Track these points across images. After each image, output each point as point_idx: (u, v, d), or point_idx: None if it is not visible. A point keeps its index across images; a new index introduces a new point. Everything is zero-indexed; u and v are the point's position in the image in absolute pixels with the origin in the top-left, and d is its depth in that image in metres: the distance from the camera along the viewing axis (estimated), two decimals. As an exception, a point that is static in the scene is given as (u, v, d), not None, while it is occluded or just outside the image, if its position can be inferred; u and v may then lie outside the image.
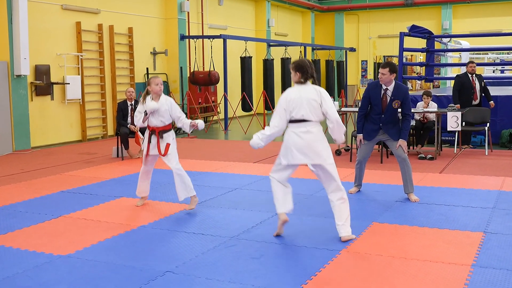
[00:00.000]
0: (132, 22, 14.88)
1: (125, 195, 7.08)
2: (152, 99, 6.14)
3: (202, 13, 18.08)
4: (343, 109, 10.92)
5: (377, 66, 25.15)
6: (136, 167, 9.17)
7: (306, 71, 4.96)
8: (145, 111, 6.11)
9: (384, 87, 6.50)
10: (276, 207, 5.12)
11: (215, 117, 17.10)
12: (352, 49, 25.97)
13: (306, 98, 4.92)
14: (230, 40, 16.88)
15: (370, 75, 25.97)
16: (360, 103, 6.80)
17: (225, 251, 4.80)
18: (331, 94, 23.08)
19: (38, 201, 6.83)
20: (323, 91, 5.00)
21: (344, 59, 25.25)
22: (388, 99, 6.48)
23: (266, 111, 16.21)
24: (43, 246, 4.98)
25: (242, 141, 12.92)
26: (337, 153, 10.21)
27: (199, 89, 16.94)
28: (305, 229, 5.43)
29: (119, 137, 10.13)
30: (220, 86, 17.31)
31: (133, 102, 10.20)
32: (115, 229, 5.49)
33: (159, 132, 6.14)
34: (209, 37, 16.44)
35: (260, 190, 7.22)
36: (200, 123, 6.18)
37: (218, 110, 17.24)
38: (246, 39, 17.57)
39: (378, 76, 6.51)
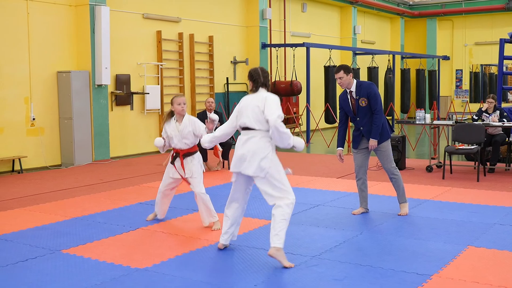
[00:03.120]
0: (212, 31, 15.22)
1: (203, 208, 7.20)
2: (176, 120, 6.14)
3: (284, 21, 18.22)
4: (435, 122, 10.63)
5: (474, 75, 24.36)
6: (215, 180, 9.33)
7: (256, 80, 5.11)
8: (163, 137, 6.26)
9: (348, 90, 6.67)
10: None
11: (296, 129, 17.12)
12: (446, 57, 25.25)
13: (251, 105, 5.01)
14: (314, 48, 16.90)
15: (466, 86, 25.14)
16: (338, 117, 6.98)
17: (306, 271, 4.77)
18: (422, 105, 22.52)
19: (117, 212, 7.09)
20: (270, 98, 4.99)
21: (437, 68, 24.59)
22: (355, 100, 6.63)
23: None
24: (121, 258, 5.15)
25: (325, 155, 12.85)
26: (428, 169, 9.94)
27: (280, 100, 17.00)
28: (393, 250, 5.31)
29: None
30: (302, 96, 17.34)
31: (212, 113, 10.38)
32: (192, 243, 5.60)
33: (182, 155, 6.15)
34: (291, 45, 16.53)
35: (344, 208, 7.14)
36: (213, 115, 6.22)
37: (300, 121, 17.26)
38: (330, 47, 17.53)
39: (338, 83, 6.69)
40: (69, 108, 11.41)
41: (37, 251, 5.40)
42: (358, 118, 6.66)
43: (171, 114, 6.22)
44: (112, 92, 12.48)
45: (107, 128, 12.21)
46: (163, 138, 6.26)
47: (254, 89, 5.12)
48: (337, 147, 6.87)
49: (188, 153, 6.17)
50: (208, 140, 5.42)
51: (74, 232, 6.09)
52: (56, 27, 11.48)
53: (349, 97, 6.67)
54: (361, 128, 6.68)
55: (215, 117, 6.21)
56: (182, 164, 6.15)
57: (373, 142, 6.60)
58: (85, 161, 11.61)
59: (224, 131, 5.29)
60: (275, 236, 4.84)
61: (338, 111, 7.03)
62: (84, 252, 5.34)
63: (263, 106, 4.95)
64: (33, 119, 11.00)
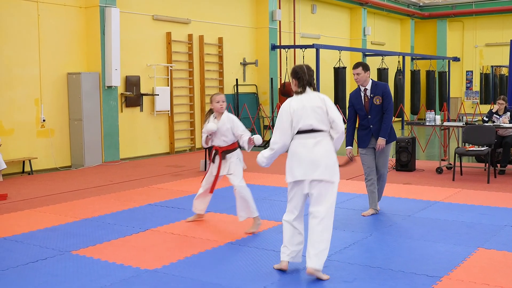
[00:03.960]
0: (222, 32, 15.24)
1: (213, 210, 7.21)
2: (215, 117, 6.16)
3: (294, 22, 18.22)
4: (446, 123, 10.58)
5: (484, 77, 24.23)
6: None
7: (301, 78, 4.79)
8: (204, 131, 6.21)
9: (362, 88, 6.73)
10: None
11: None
12: (456, 59, 25.14)
13: (310, 106, 4.71)
14: (323, 49, 16.89)
15: (476, 87, 25.02)
16: (347, 114, 6.95)
17: (315, 273, 4.76)
18: (432, 107, 22.43)
19: (126, 213, 7.11)
20: (327, 98, 4.82)
21: (447, 70, 24.48)
22: (369, 98, 6.70)
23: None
24: (130, 259, 5.17)
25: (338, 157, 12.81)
26: (438, 171, 9.90)
27: (289, 101, 16.99)
28: (403, 252, 5.29)
29: (207, 150, 10.36)
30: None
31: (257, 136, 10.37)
32: (202, 245, 5.61)
33: (222, 152, 6.14)
34: (301, 46, 16.52)
35: (354, 209, 7.12)
36: (257, 138, 5.98)
37: (309, 123, 17.22)
38: (340, 48, 17.51)
39: (354, 78, 6.74)
40: (79, 110, 11.46)
41: (47, 252, 5.43)
42: (369, 116, 6.72)
43: (211, 112, 6.25)
44: (122, 94, 12.52)
45: (117, 130, 12.25)
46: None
47: (302, 89, 4.79)
48: (346, 146, 6.85)
49: (227, 150, 6.15)
50: (267, 156, 4.93)
51: (83, 233, 6.12)
52: (67, 29, 11.54)
53: (362, 95, 6.76)
54: (371, 126, 6.72)
55: (258, 142, 5.99)
56: (220, 161, 6.14)
57: (381, 141, 6.65)
58: (95, 163, 11.65)
59: (281, 142, 4.80)
60: (315, 257, 4.57)
61: (347, 110, 7.00)
62: (93, 253, 5.36)
63: (325, 107, 4.74)
64: (43, 120, 11.06)
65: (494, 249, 5.35)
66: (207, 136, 6.20)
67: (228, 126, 6.08)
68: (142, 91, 12.97)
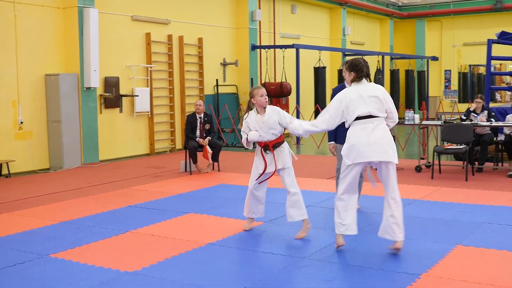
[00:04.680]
0: (202, 32, 15.21)
1: (193, 211, 7.20)
2: (258, 112, 5.84)
3: (274, 22, 18.24)
4: (424, 122, 10.68)
5: (462, 76, 24.48)
6: (205, 182, 9.33)
7: (361, 69, 5.12)
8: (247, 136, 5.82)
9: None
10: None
11: (286, 131, 17.12)
12: (435, 58, 25.38)
13: (367, 95, 5.05)
14: (303, 49, 16.93)
15: (454, 86, 25.27)
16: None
17: (296, 272, 4.78)
18: (411, 106, 22.61)
19: (106, 215, 7.07)
20: (385, 90, 5.18)
21: (426, 69, 24.70)
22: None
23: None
24: (110, 262, 5.14)
25: (315, 156, 12.87)
26: (417, 169, 9.99)
27: (270, 101, 17.03)
28: (383, 250, 5.32)
29: (187, 151, 10.34)
30: (292, 98, 17.37)
31: (202, 115, 10.39)
32: (183, 246, 5.59)
33: (273, 146, 5.83)
34: (281, 46, 16.55)
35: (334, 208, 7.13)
36: (251, 135, 5.83)
37: (290, 123, 17.25)
38: (320, 48, 17.57)
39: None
40: (58, 111, 11.36)
41: (25, 256, 5.37)
42: None
43: (249, 108, 5.92)
44: (101, 95, 12.43)
45: (96, 131, 12.16)
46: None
47: (358, 80, 5.14)
48: (329, 141, 6.93)
49: (277, 143, 5.87)
50: (307, 130, 5.40)
51: (62, 236, 6.06)
52: (44, 30, 11.43)
53: None
54: None
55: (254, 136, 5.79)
56: (274, 156, 5.82)
57: None
58: (74, 165, 11.55)
59: (327, 126, 5.24)
60: (401, 230, 5.10)
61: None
62: (72, 256, 5.31)
63: (383, 97, 5.09)
64: (21, 122, 10.94)
65: (472, 246, 5.41)
66: (247, 141, 5.86)
67: (275, 118, 5.78)
68: (122, 92, 12.89)
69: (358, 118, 5.04)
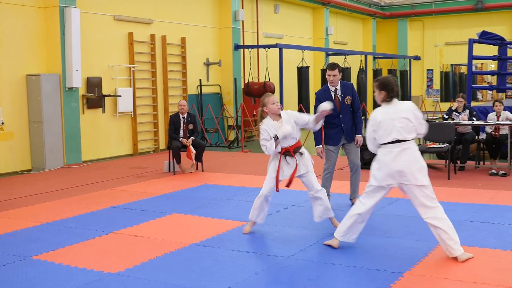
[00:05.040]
0: (185, 32, 15.17)
1: (177, 211, 7.18)
2: (273, 119, 5.78)
3: (257, 22, 18.25)
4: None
5: (444, 75, 24.69)
6: (188, 182, 9.31)
7: (392, 89, 5.05)
8: (275, 136, 5.67)
9: (332, 88, 6.94)
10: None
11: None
12: (417, 58, 25.57)
13: (397, 118, 4.99)
14: (287, 49, 16.95)
15: (436, 85, 25.48)
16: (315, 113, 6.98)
17: (280, 272, 4.79)
18: (394, 105, 22.72)
19: (89, 216, 7.02)
20: (417, 108, 5.11)
21: (408, 68, 24.88)
22: (340, 98, 6.91)
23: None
24: (93, 263, 5.11)
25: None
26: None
27: (253, 101, 17.04)
28: (367, 249, 5.35)
29: (170, 151, 10.31)
30: (275, 97, 17.36)
31: (185, 115, 10.37)
32: (166, 247, 5.57)
33: (293, 150, 5.79)
34: (264, 46, 16.56)
35: (318, 208, 7.16)
36: (324, 106, 5.68)
37: (274, 122, 17.27)
38: (303, 48, 17.60)
39: (330, 79, 6.90)
40: (39, 112, 11.26)
41: (7, 258, 5.32)
42: (341, 116, 6.94)
43: (262, 116, 5.86)
44: (83, 95, 12.35)
45: (78, 132, 12.08)
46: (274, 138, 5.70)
47: (389, 100, 5.07)
48: (317, 145, 7.01)
49: (297, 147, 5.83)
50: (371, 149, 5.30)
51: (45, 238, 6.02)
52: (25, 30, 11.32)
53: (333, 94, 6.94)
54: (342, 125, 6.95)
55: (327, 107, 5.67)
56: (296, 160, 5.79)
57: (360, 138, 7.04)
58: (56, 166, 11.46)
59: (372, 148, 5.21)
60: (456, 244, 4.94)
61: (312, 109, 7.09)
62: (55, 258, 5.28)
63: (412, 118, 5.01)
64: (2, 123, 10.82)
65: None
66: (276, 140, 5.70)
67: (292, 122, 5.76)
68: (104, 92, 12.81)
69: (386, 143, 5.03)
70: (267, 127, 5.75)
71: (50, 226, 6.55)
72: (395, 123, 4.98)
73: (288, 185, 5.95)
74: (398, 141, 4.98)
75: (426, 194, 5.00)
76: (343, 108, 6.96)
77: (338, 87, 6.97)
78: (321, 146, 7.00)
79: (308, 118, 5.84)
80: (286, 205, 7.39)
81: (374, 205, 5.19)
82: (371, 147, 5.19)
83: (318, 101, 6.93)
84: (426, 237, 5.69)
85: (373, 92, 5.28)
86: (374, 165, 5.13)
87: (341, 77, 7.02)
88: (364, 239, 5.66)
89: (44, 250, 5.53)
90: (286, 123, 5.73)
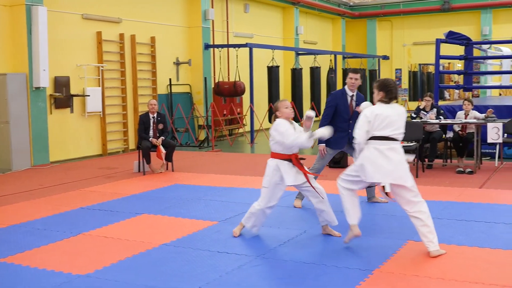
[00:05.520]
0: (154, 31, 15.08)
1: (147, 211, 7.13)
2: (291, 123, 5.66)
3: (227, 21, 18.23)
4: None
5: (412, 74, 25.01)
6: (158, 182, 9.25)
7: (391, 91, 5.18)
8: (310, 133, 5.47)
9: (350, 93, 6.98)
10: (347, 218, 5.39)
11: (240, 130, 17.16)
12: (385, 57, 25.85)
13: (394, 117, 5.14)
14: (257, 49, 16.97)
15: (405, 84, 25.79)
16: (324, 113, 7.08)
17: (250, 271, 4.79)
18: (363, 104, 22.93)
19: (57, 218, 6.93)
20: (404, 111, 5.30)
21: (377, 68, 25.14)
22: (354, 105, 6.96)
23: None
24: (62, 265, 5.04)
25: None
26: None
27: (224, 101, 17.03)
28: (336, 248, 5.39)
29: (140, 151, 10.24)
30: (246, 97, 17.40)
31: (155, 115, 10.30)
32: (136, 248, 5.53)
33: (296, 159, 5.65)
34: (234, 46, 16.55)
35: (289, 207, 7.20)
36: (309, 112, 5.40)
37: (244, 122, 17.30)
38: (273, 47, 17.64)
39: (351, 82, 6.93)
40: (5, 112, 11.06)
41: (-28, 260, 5.22)
42: (351, 121, 6.89)
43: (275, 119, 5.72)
44: (51, 95, 12.18)
45: (46, 132, 11.90)
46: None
47: (387, 101, 5.19)
48: (320, 143, 7.00)
49: (298, 155, 5.72)
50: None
51: (12, 240, 5.91)
52: (-9, 29, 11.13)
53: (349, 99, 6.97)
54: (350, 131, 6.88)
55: (312, 114, 5.42)
56: (302, 169, 5.65)
57: None
58: (24, 166, 11.28)
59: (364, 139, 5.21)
60: (435, 238, 5.08)
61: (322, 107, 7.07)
62: (23, 260, 5.19)
63: (402, 121, 5.22)
64: (-32, 123, 10.63)
65: (422, 241, 5.53)
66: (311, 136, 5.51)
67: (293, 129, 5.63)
68: (72, 92, 12.66)
69: (381, 138, 5.13)
70: (288, 126, 5.58)
71: (17, 228, 6.44)
72: (393, 120, 5.12)
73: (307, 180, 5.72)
74: (389, 138, 5.10)
75: (413, 191, 5.14)
76: (354, 115, 6.89)
77: (355, 93, 7.01)
78: (324, 144, 7.00)
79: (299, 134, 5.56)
80: (256, 204, 7.39)
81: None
82: (361, 139, 5.20)
83: (334, 102, 6.96)
84: (394, 235, 5.76)
85: (372, 93, 5.40)
86: (364, 160, 5.16)
87: (360, 83, 7.07)
88: (334, 238, 5.71)
89: (11, 253, 5.44)
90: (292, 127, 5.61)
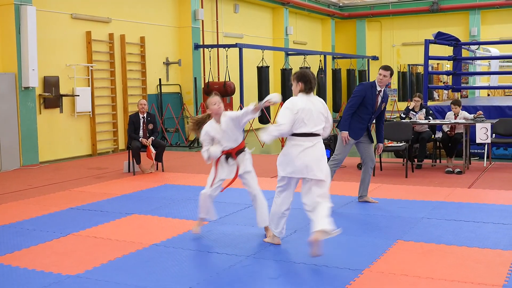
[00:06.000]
0: (144, 31, 15.04)
1: (137, 211, 7.11)
2: (216, 121, 5.67)
3: (217, 21, 18.21)
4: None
5: (401, 75, 25.11)
6: (148, 182, 9.23)
7: (310, 81, 5.19)
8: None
9: (378, 88, 7.06)
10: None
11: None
12: (375, 58, 25.94)
13: (315, 111, 5.17)
14: (246, 49, 16.97)
15: (394, 85, 25.88)
16: (352, 101, 7.14)
17: (241, 271, 4.79)
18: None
19: (46, 218, 6.89)
20: (324, 103, 5.34)
21: (367, 68, 25.22)
22: (380, 100, 7.07)
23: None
24: (51, 265, 5.02)
25: (259, 155, 12.93)
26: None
27: (214, 101, 16.97)
28: (326, 247, 5.38)
29: (130, 151, 10.21)
30: (236, 97, 17.39)
31: (145, 115, 10.28)
32: (126, 248, 5.52)
33: (236, 153, 5.66)
34: (224, 46, 16.54)
35: (278, 207, 7.19)
36: (274, 98, 5.22)
37: (234, 122, 17.27)
38: (263, 48, 17.64)
39: (379, 78, 7.01)
40: (-5, 112, 11.01)
41: (-39, 261, 5.18)
42: (373, 116, 7.12)
43: (208, 117, 5.76)
44: (40, 95, 12.12)
45: (35, 132, 11.84)
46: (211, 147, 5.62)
47: (307, 91, 5.20)
48: (344, 130, 7.08)
49: (240, 150, 5.71)
50: (275, 137, 5.29)
51: (1, 241, 5.87)
52: (-21, 28, 11.06)
53: (376, 93, 7.07)
54: (368, 124, 7.12)
55: (274, 98, 5.25)
56: (237, 162, 5.68)
57: (381, 146, 7.36)
58: (12, 167, 11.21)
59: (288, 129, 5.13)
60: (323, 219, 4.93)
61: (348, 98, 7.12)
62: (12, 261, 5.16)
63: (326, 112, 5.27)
64: (-44, 123, 10.55)
65: (412, 241, 5.56)
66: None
67: (232, 124, 5.60)
68: (62, 92, 12.60)
69: (301, 134, 5.13)
70: (209, 129, 5.66)
71: (6, 228, 6.40)
72: (314, 115, 5.15)
73: (228, 184, 5.81)
74: (312, 134, 5.12)
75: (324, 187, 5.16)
76: (378, 110, 7.12)
77: (382, 89, 7.08)
78: (347, 132, 7.06)
79: (245, 110, 5.45)
80: (247, 204, 7.39)
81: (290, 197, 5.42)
82: (283, 132, 5.12)
83: (363, 91, 7.03)
84: (384, 234, 5.78)
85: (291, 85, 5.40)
86: (282, 158, 5.26)
87: (390, 81, 7.19)
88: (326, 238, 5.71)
89: (0, 253, 5.40)
90: (226, 126, 5.59)
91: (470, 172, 9.68)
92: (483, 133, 9.61)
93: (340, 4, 25.85)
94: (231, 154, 5.67)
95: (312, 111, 5.13)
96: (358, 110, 7.07)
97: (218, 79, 17.59)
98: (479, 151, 11.27)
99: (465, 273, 4.60)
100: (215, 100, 5.64)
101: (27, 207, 7.53)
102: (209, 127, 5.69)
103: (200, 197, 5.84)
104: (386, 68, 7.01)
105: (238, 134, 5.66)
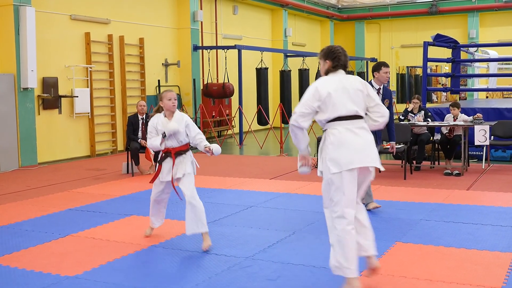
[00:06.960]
0: (143, 33, 15.04)
1: (136, 213, 7.11)
2: (165, 116, 5.60)
3: (216, 23, 18.22)
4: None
5: (400, 77, 25.16)
6: (147, 184, 9.21)
7: (338, 58, 4.34)
8: (163, 132, 5.47)
9: (377, 86, 7.04)
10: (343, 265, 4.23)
11: (229, 131, 17.15)
12: (373, 60, 25.90)
13: (351, 89, 4.23)
14: (245, 50, 16.98)
15: (393, 87, 25.90)
16: None
17: (239, 272, 4.79)
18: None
19: (45, 219, 6.89)
20: (364, 82, 4.38)
21: (365, 70, 25.23)
22: (381, 97, 7.02)
23: (282, 125, 16.24)
24: (50, 266, 5.02)
25: (258, 157, 12.93)
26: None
27: (212, 102, 17.02)
28: (325, 249, 5.39)
29: (129, 152, 10.21)
30: (234, 98, 17.40)
31: (144, 116, 10.29)
32: (125, 249, 5.52)
33: (175, 153, 5.57)
34: (223, 47, 16.55)
35: (277, 208, 7.21)
36: (215, 148, 5.50)
37: (233, 124, 17.29)
38: (262, 49, 17.65)
39: (386, 76, 7.02)
40: (-7, 113, 11.01)
41: (-40, 262, 5.18)
42: None
43: (159, 110, 5.66)
44: (39, 96, 12.12)
45: (34, 133, 11.84)
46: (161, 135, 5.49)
47: (337, 69, 4.33)
48: (391, 141, 7.21)
49: (180, 151, 5.57)
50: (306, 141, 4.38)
51: (-1, 241, 5.89)
52: (-22, 29, 11.06)
53: (376, 91, 7.00)
54: None
55: (216, 151, 5.49)
56: (173, 164, 5.53)
57: (394, 145, 7.32)
58: (11, 167, 11.21)
59: (303, 118, 4.29)
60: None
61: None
62: (10, 262, 5.16)
63: (366, 90, 4.29)
64: (-45, 124, 10.54)
65: (410, 243, 5.56)
66: (163, 137, 5.48)
67: (183, 126, 5.52)
68: (61, 93, 12.60)
69: (340, 118, 4.19)
70: (157, 121, 5.58)
71: (4, 229, 6.40)
72: (351, 95, 4.22)
73: (153, 179, 5.78)
74: (356, 117, 4.23)
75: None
76: None
77: (382, 87, 7.07)
78: (394, 142, 7.21)
79: (195, 134, 5.53)
80: (245, 205, 7.41)
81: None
82: (296, 123, 4.31)
83: None
84: (382, 236, 5.78)
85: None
86: (331, 150, 4.19)
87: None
88: (322, 239, 5.71)
89: (-1, 254, 5.41)
90: (175, 121, 5.53)
91: (469, 174, 9.68)
92: (482, 135, 9.62)
93: (339, 6, 25.89)
94: (171, 153, 5.58)
95: (347, 90, 4.21)
96: None
97: (217, 81, 17.60)
98: (477, 153, 11.28)
99: (463, 275, 4.60)
100: (171, 96, 5.58)
101: (26, 208, 7.52)
102: (157, 120, 5.60)
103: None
104: (387, 64, 7.05)
105: (185, 136, 5.58)
